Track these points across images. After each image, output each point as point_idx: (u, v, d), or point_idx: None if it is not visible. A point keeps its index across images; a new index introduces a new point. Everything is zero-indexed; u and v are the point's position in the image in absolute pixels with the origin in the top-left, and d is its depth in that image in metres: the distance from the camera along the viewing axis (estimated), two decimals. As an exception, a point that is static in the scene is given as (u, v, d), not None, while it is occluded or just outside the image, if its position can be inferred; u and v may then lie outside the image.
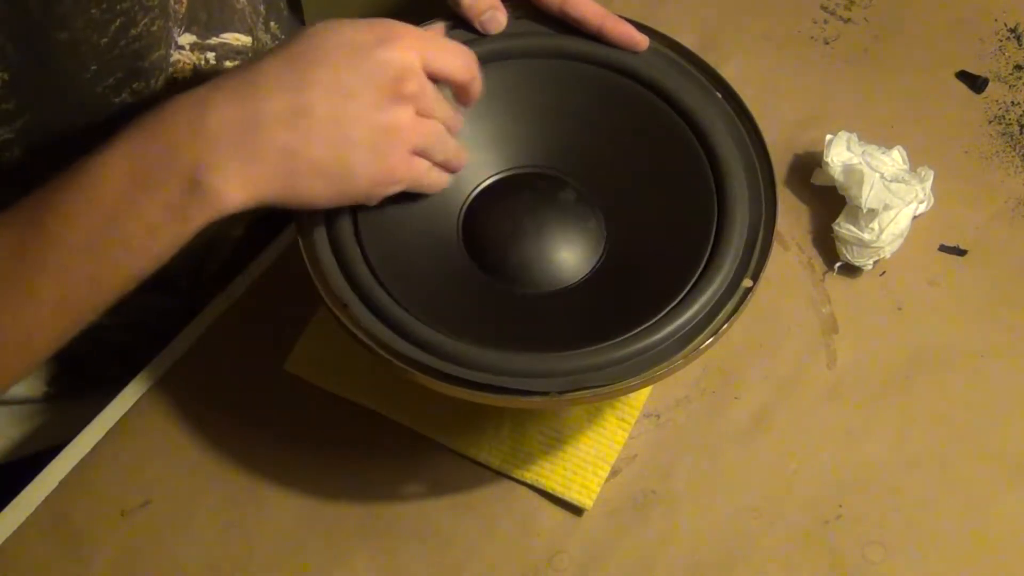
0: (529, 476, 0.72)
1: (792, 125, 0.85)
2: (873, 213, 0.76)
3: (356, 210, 0.66)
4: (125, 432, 0.76)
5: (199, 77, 0.72)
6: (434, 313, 0.64)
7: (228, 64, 0.74)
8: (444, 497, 0.72)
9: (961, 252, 0.80)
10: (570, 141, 0.72)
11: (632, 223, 0.70)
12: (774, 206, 0.66)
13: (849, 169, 0.78)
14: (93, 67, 0.66)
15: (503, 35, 0.72)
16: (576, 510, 0.71)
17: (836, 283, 0.78)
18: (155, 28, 0.67)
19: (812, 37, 0.91)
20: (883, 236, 0.76)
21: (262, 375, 0.76)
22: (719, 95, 0.70)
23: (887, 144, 0.80)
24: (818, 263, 0.79)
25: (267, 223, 0.88)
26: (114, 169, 0.57)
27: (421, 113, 0.61)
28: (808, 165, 0.83)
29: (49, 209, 0.58)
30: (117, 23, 0.65)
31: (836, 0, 0.92)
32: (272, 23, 0.77)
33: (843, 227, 0.77)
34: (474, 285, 0.68)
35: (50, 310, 0.59)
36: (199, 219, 0.57)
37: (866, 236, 0.76)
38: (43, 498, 0.73)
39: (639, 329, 0.63)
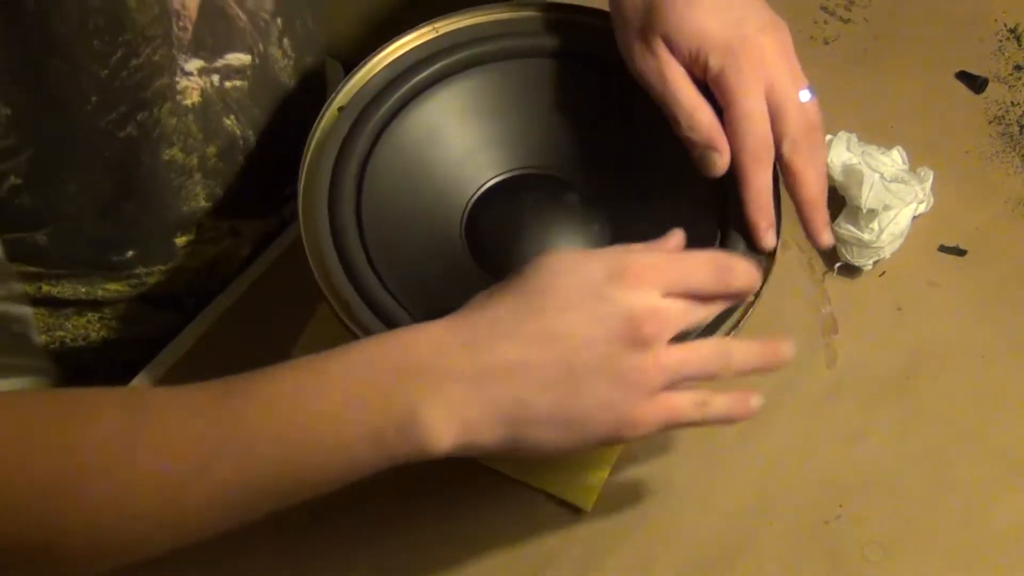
0: (528, 477, 0.72)
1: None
2: (873, 213, 0.76)
3: (360, 209, 0.66)
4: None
5: (206, 100, 0.72)
6: (435, 313, 0.64)
7: (229, 84, 0.73)
8: (443, 497, 0.72)
9: (961, 252, 0.80)
10: (575, 143, 0.71)
11: (636, 226, 0.69)
12: (778, 210, 0.66)
13: (849, 169, 0.78)
14: (94, 98, 0.65)
15: (509, 34, 0.72)
16: (576, 510, 0.71)
17: (836, 283, 0.78)
18: (157, 57, 0.67)
19: (812, 37, 0.91)
20: (883, 236, 0.76)
21: (262, 375, 0.76)
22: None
23: (887, 144, 0.80)
24: (818, 263, 0.79)
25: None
26: (324, 388, 0.54)
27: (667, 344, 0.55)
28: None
29: (251, 395, 0.54)
30: (119, 54, 0.65)
31: (836, 0, 0.92)
32: (286, 39, 0.77)
33: (843, 227, 0.77)
34: (476, 286, 0.68)
35: (217, 491, 0.53)
36: (402, 453, 0.53)
37: (866, 236, 0.76)
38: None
39: None
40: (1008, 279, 0.78)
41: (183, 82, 0.70)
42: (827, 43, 0.90)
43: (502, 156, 0.72)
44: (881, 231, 0.76)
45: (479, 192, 0.71)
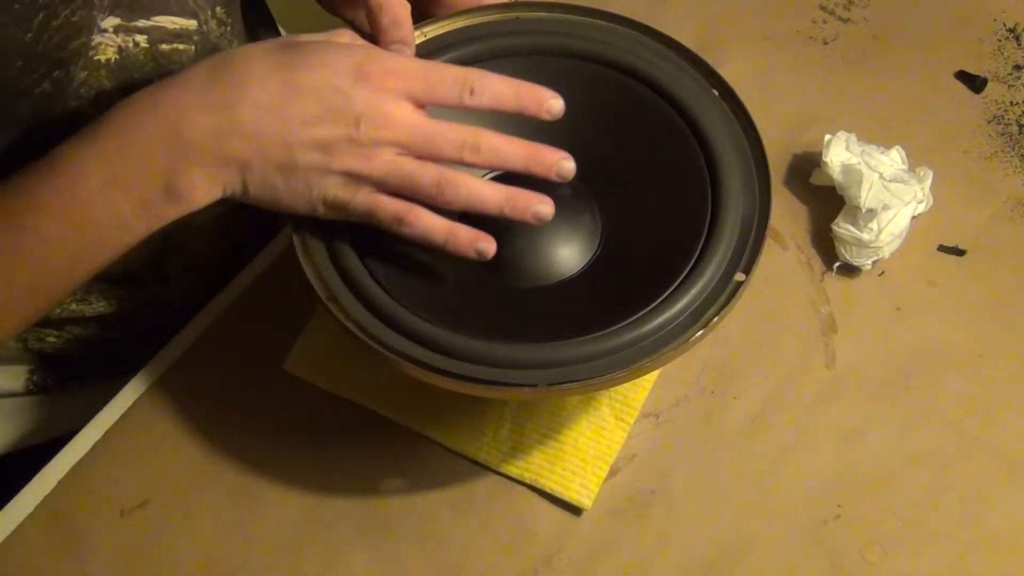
0: (528, 476, 0.72)
1: (791, 125, 0.85)
2: (872, 213, 0.76)
3: None
4: (124, 432, 0.76)
5: (125, 59, 0.72)
6: (424, 305, 0.64)
7: (165, 47, 0.74)
8: (443, 497, 0.72)
9: (960, 252, 0.80)
10: (567, 137, 0.72)
11: (627, 218, 0.70)
12: (768, 200, 0.67)
13: (848, 169, 0.78)
14: (19, 63, 0.66)
15: (502, 33, 0.72)
16: (575, 510, 0.71)
17: (835, 283, 0.78)
18: (76, 18, 0.67)
19: (811, 37, 0.91)
20: (882, 236, 0.76)
21: (262, 375, 0.76)
22: (716, 92, 0.70)
23: (886, 144, 0.80)
24: (817, 263, 0.79)
25: (257, 223, 0.89)
26: (88, 168, 0.60)
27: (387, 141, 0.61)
28: (807, 165, 0.83)
29: (23, 201, 0.61)
30: (40, 16, 0.65)
31: (835, 0, 0.92)
32: (218, 8, 0.77)
33: (842, 227, 0.77)
34: (467, 278, 0.68)
35: (23, 293, 0.63)
36: (169, 216, 0.61)
37: (865, 236, 0.76)
38: (42, 498, 0.73)
39: (628, 321, 0.63)
40: (1007, 279, 0.78)
41: (97, 38, 0.70)
42: (826, 43, 0.90)
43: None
44: (880, 231, 0.76)
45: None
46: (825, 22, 0.91)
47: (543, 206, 0.63)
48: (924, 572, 0.68)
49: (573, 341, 0.63)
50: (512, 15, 0.73)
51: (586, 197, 0.70)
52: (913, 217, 0.79)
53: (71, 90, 0.70)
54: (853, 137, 0.80)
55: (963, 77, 0.88)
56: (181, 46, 0.74)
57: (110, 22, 0.71)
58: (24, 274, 0.62)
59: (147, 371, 0.78)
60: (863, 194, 0.76)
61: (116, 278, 0.79)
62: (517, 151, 0.62)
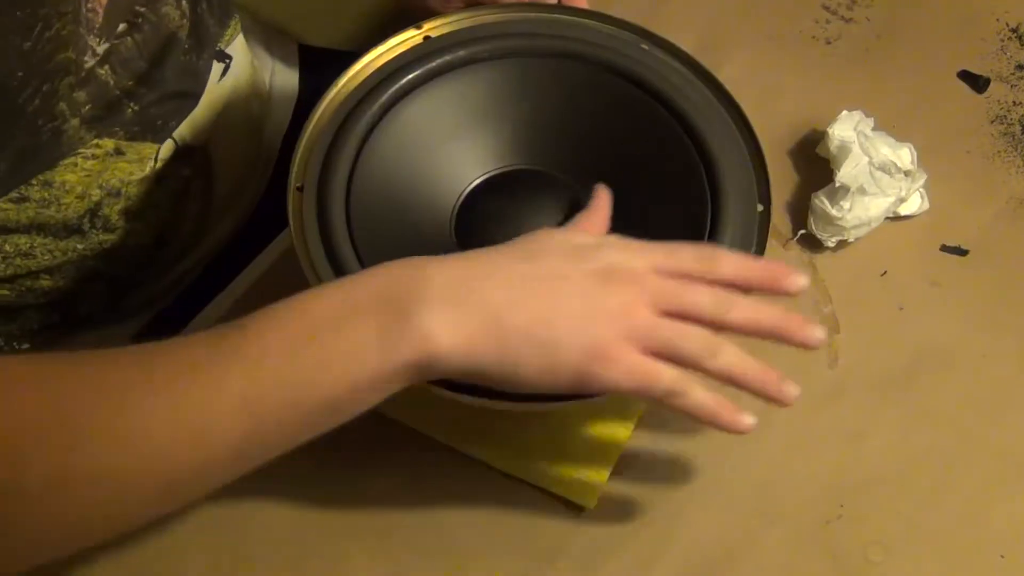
0: (531, 475, 0.72)
1: (792, 125, 0.85)
2: (845, 190, 0.77)
3: (349, 209, 0.66)
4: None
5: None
6: None
7: (106, 44, 0.74)
8: (444, 496, 0.72)
9: (963, 252, 0.79)
10: (564, 140, 0.72)
11: (626, 223, 0.70)
12: (768, 200, 0.67)
13: (842, 145, 0.78)
14: (20, 74, 0.66)
15: (497, 36, 0.72)
16: (577, 509, 0.71)
17: (838, 282, 0.78)
18: (65, 31, 0.68)
19: (814, 37, 0.90)
20: (848, 217, 0.77)
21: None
22: (712, 96, 0.71)
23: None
24: (819, 262, 0.79)
25: (258, 224, 0.89)
26: (327, 295, 0.57)
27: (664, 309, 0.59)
28: (806, 164, 0.82)
29: (254, 315, 0.56)
30: (39, 27, 0.65)
31: (838, 0, 0.92)
32: (184, 1, 0.78)
33: (818, 198, 0.78)
34: None
35: (235, 405, 0.54)
36: (405, 353, 0.55)
37: (833, 212, 0.77)
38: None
39: None
40: (1010, 279, 0.78)
41: (90, 62, 0.70)
42: (829, 43, 0.90)
43: (491, 153, 0.72)
44: (848, 211, 0.76)
45: (468, 189, 0.71)
46: (828, 22, 0.91)
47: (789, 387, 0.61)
48: (927, 572, 0.68)
49: None
50: (518, 15, 0.73)
51: (583, 200, 0.70)
52: (895, 217, 0.79)
53: (58, 109, 0.70)
54: (870, 121, 0.80)
55: (966, 77, 0.88)
56: (116, 41, 0.74)
57: (104, 48, 0.71)
58: (239, 380, 0.54)
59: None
60: (843, 170, 0.77)
61: (55, 229, 0.78)
62: (755, 368, 0.60)
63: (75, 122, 0.73)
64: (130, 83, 0.76)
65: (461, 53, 0.71)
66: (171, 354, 0.55)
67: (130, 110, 0.77)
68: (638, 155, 0.70)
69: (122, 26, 0.74)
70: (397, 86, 0.70)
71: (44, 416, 0.52)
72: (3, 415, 0.52)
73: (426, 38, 0.73)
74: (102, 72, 0.74)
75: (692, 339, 0.58)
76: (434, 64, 0.71)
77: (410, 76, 0.71)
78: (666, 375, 0.58)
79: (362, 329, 0.55)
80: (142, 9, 0.75)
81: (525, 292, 0.57)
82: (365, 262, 0.65)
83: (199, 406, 0.53)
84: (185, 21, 0.79)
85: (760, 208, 0.67)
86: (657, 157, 0.70)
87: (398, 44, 0.73)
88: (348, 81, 0.71)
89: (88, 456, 0.52)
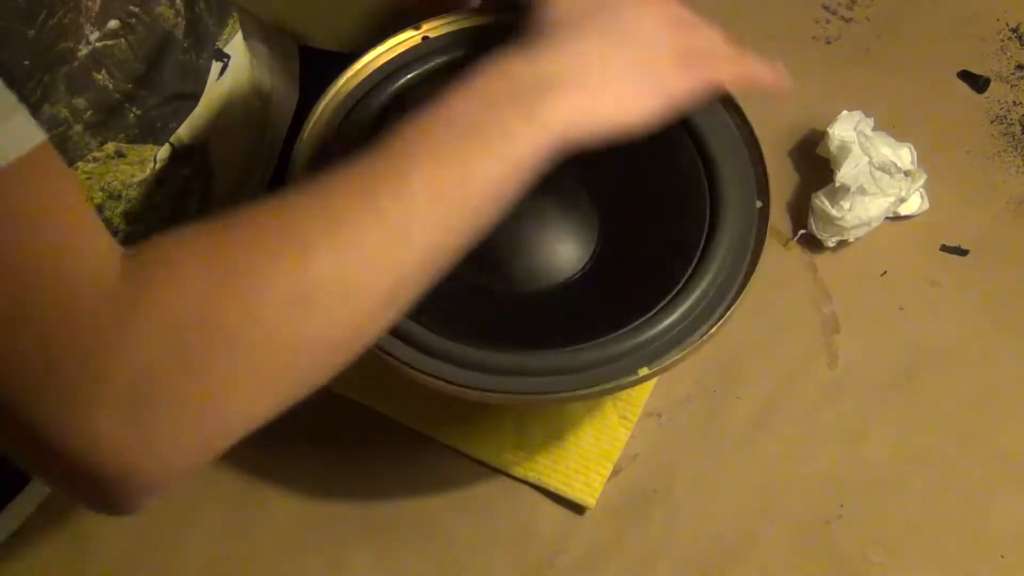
0: (531, 475, 0.72)
1: (792, 125, 0.85)
2: (845, 190, 0.77)
3: None
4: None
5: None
6: (424, 308, 0.64)
7: (99, 45, 0.73)
8: (444, 496, 0.72)
9: (963, 252, 0.79)
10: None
11: (623, 218, 0.70)
12: (767, 199, 0.66)
13: (843, 146, 0.79)
14: (26, 62, 0.66)
15: (499, 35, 0.71)
16: (577, 509, 0.71)
17: (838, 282, 0.78)
18: (67, 20, 0.67)
19: (814, 37, 0.91)
20: (848, 216, 0.77)
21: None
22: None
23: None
24: (819, 262, 0.79)
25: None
26: (466, 97, 0.59)
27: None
28: (806, 164, 0.82)
29: (393, 132, 0.58)
30: (43, 14, 0.65)
31: (838, 0, 0.92)
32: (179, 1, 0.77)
33: (818, 198, 0.78)
34: (468, 283, 0.68)
35: (424, 202, 0.56)
36: (551, 122, 0.59)
37: (833, 212, 0.77)
38: (43, 498, 0.73)
39: (634, 324, 0.63)
40: (1010, 279, 0.78)
41: (84, 51, 0.70)
42: (829, 43, 0.90)
43: None
44: (848, 211, 0.76)
45: None
46: (828, 22, 0.91)
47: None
48: (927, 572, 0.68)
49: (567, 350, 0.62)
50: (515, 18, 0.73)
51: (583, 191, 0.71)
52: (894, 217, 0.79)
53: (62, 115, 0.70)
54: (870, 121, 0.80)
55: (966, 77, 0.88)
56: (111, 42, 0.74)
57: (96, 37, 0.71)
58: (421, 182, 0.57)
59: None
60: (844, 171, 0.77)
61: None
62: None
63: (79, 127, 0.73)
64: (129, 86, 0.76)
65: (459, 54, 0.71)
66: (346, 180, 0.57)
67: (132, 115, 0.77)
68: (636, 149, 0.70)
69: (113, 23, 0.73)
70: (396, 86, 0.70)
71: (276, 236, 0.53)
72: (242, 231, 0.53)
73: (424, 39, 0.72)
74: (99, 77, 0.74)
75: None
76: (432, 64, 0.71)
77: (409, 76, 0.71)
78: (722, 46, 0.66)
79: (508, 116, 0.59)
80: (135, 9, 0.75)
81: (611, 45, 0.63)
82: None
83: (397, 208, 0.56)
84: (180, 20, 0.79)
85: (759, 204, 0.67)
86: (655, 151, 0.69)
87: (397, 45, 0.73)
88: (347, 82, 0.71)
89: (322, 268, 0.53)
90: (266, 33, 1.01)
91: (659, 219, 0.69)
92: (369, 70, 0.72)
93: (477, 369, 0.62)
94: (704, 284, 0.64)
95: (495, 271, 0.68)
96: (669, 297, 0.64)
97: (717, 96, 0.70)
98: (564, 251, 0.69)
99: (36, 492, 0.74)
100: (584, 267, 0.69)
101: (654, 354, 0.62)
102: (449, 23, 0.73)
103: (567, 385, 0.61)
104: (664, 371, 0.62)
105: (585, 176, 0.71)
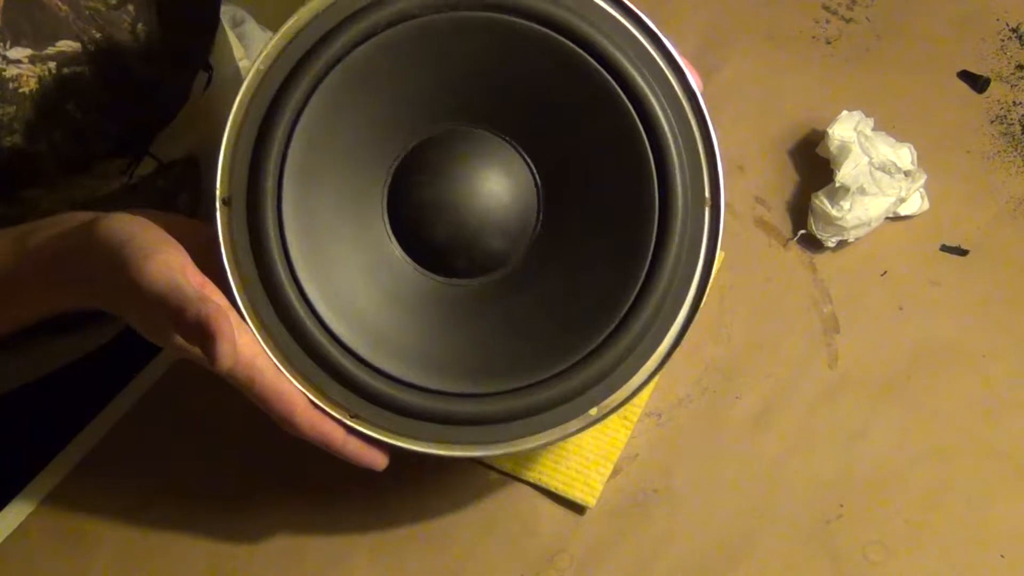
0: (531, 475, 0.72)
1: (792, 125, 0.85)
2: (845, 191, 0.77)
3: (281, 217, 0.62)
4: (125, 432, 0.76)
5: (44, 88, 0.73)
6: (359, 325, 0.63)
7: (67, 71, 0.74)
8: (444, 497, 0.72)
9: (963, 252, 0.79)
10: (507, 97, 0.66)
11: (567, 197, 0.66)
12: (717, 176, 0.63)
13: (843, 146, 0.79)
14: None
15: None
16: (577, 509, 0.71)
17: (838, 282, 0.78)
18: None
19: (814, 37, 0.90)
20: (848, 217, 0.77)
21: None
22: (649, 47, 0.64)
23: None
24: (819, 262, 0.79)
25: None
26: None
27: None
28: (806, 164, 0.82)
29: None
30: None
31: (838, 0, 0.92)
32: (140, 25, 0.77)
33: (819, 198, 0.78)
34: (406, 282, 0.66)
35: None
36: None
37: (833, 212, 0.77)
38: (43, 497, 0.73)
39: (592, 347, 0.62)
40: (1010, 279, 0.78)
41: (11, 70, 0.71)
42: (829, 43, 0.90)
43: (429, 114, 0.66)
44: (848, 211, 0.77)
45: (402, 157, 0.66)
46: (828, 22, 0.91)
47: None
48: (927, 572, 0.68)
49: (539, 384, 0.62)
50: None
51: (520, 157, 0.66)
52: (894, 217, 0.79)
53: (3, 124, 0.71)
54: (870, 121, 0.80)
55: (966, 77, 0.88)
56: (77, 68, 0.74)
57: (20, 52, 0.71)
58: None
59: (147, 372, 0.77)
60: (844, 171, 0.77)
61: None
62: None
63: (53, 162, 0.74)
64: (96, 116, 0.76)
65: (386, 11, 0.63)
66: None
67: (107, 144, 0.77)
68: (582, 125, 0.65)
69: (71, 44, 0.73)
70: (318, 66, 0.62)
71: None
72: None
73: None
74: (70, 108, 0.74)
75: None
76: (356, 30, 0.63)
77: (333, 49, 0.62)
78: None
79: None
80: (97, 35, 0.75)
81: None
82: (302, 281, 0.62)
83: None
84: (139, 46, 0.78)
85: (709, 200, 0.64)
86: (599, 129, 0.64)
87: (319, 1, 0.63)
88: (261, 62, 0.63)
89: None
90: (265, 34, 1.01)
91: (602, 207, 0.65)
92: (283, 42, 0.63)
93: (414, 415, 0.62)
94: (657, 296, 0.62)
95: (428, 258, 0.65)
96: (621, 313, 0.62)
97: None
98: (500, 233, 0.65)
99: (36, 492, 0.74)
100: (522, 256, 0.66)
101: (607, 388, 0.62)
102: None
103: (510, 436, 0.62)
104: (615, 411, 0.63)
105: (520, 134, 0.66)
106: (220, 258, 0.61)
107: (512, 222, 0.66)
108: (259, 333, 0.62)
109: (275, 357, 0.62)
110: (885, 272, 0.79)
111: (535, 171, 0.67)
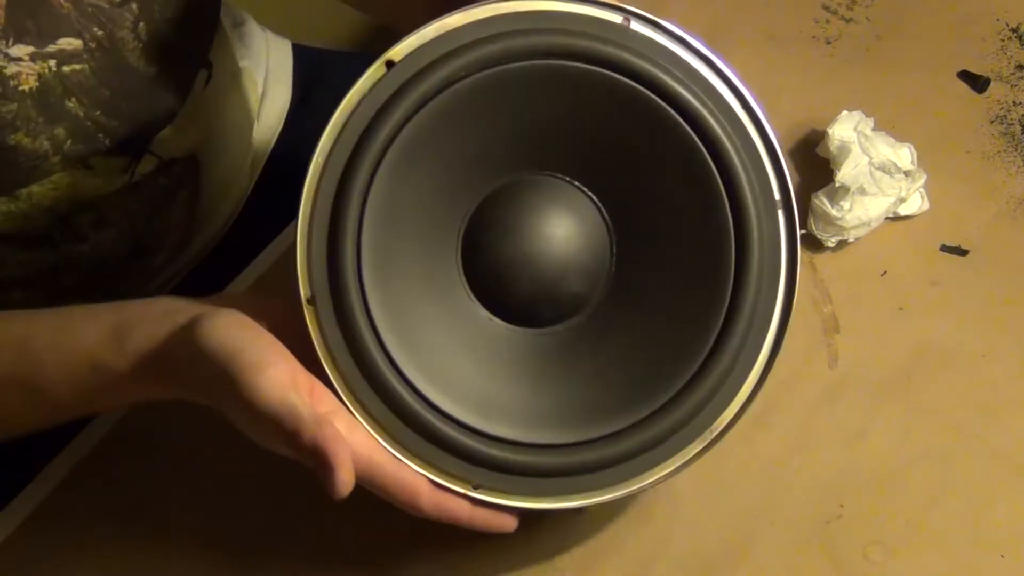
0: (530, 476, 0.72)
1: (792, 125, 0.85)
2: (845, 191, 0.77)
3: (369, 309, 0.62)
4: (124, 433, 0.75)
5: (44, 85, 0.73)
6: (465, 396, 0.62)
7: (67, 69, 0.74)
8: (444, 497, 0.72)
9: (963, 252, 0.79)
10: (569, 144, 0.66)
11: (638, 232, 0.66)
12: (789, 201, 0.64)
13: (843, 146, 0.79)
14: None
15: (472, 43, 0.62)
16: (577, 509, 0.71)
17: (838, 282, 0.78)
18: None
19: (814, 37, 0.90)
20: (848, 217, 0.77)
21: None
22: (709, 76, 0.66)
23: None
24: (819, 262, 0.79)
25: (246, 224, 0.89)
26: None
27: None
28: (806, 164, 0.82)
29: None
30: None
31: (838, 0, 0.92)
32: (142, 24, 0.77)
33: (819, 198, 0.78)
34: (499, 342, 0.65)
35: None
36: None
37: (833, 212, 0.77)
38: (43, 498, 0.73)
39: (678, 390, 0.63)
40: (1010, 279, 0.78)
41: (12, 67, 0.70)
42: (829, 43, 0.90)
43: (487, 170, 0.65)
44: (848, 211, 0.77)
45: (468, 221, 0.66)
46: (828, 22, 0.91)
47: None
48: (927, 572, 0.68)
49: (651, 417, 0.62)
50: (486, 14, 0.63)
51: (591, 201, 0.67)
52: (894, 217, 0.79)
53: (6, 122, 0.71)
54: (870, 121, 0.80)
55: (966, 77, 0.88)
56: (78, 66, 0.74)
57: (22, 50, 0.71)
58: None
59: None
60: (844, 171, 0.77)
61: (25, 238, 0.78)
62: None
63: (57, 159, 0.74)
64: (97, 112, 0.76)
65: (434, 78, 0.62)
66: None
67: (108, 140, 0.77)
68: (642, 155, 0.65)
69: (72, 42, 0.73)
70: (375, 148, 0.62)
71: None
72: None
73: (388, 64, 0.62)
74: (71, 105, 0.74)
75: None
76: (408, 102, 0.62)
77: (387, 128, 0.62)
78: None
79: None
80: (99, 32, 0.75)
81: None
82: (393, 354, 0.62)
83: None
84: (139, 44, 0.78)
85: (778, 200, 0.64)
86: (661, 158, 0.64)
87: (364, 81, 0.62)
88: (318, 155, 0.62)
89: None
90: (262, 33, 1.01)
91: (673, 231, 0.65)
92: (336, 131, 0.62)
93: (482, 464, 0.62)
94: (750, 298, 0.62)
95: (503, 309, 0.66)
96: (715, 332, 0.63)
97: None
98: (579, 275, 0.66)
99: (36, 492, 0.74)
100: (603, 294, 0.66)
101: (718, 406, 0.63)
102: (414, 39, 0.63)
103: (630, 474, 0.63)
104: (731, 427, 0.64)
105: (593, 180, 0.67)
106: (319, 360, 0.61)
107: (589, 263, 0.66)
108: (372, 427, 0.61)
109: (393, 448, 0.61)
110: (885, 272, 0.79)
111: (602, 208, 0.66)
